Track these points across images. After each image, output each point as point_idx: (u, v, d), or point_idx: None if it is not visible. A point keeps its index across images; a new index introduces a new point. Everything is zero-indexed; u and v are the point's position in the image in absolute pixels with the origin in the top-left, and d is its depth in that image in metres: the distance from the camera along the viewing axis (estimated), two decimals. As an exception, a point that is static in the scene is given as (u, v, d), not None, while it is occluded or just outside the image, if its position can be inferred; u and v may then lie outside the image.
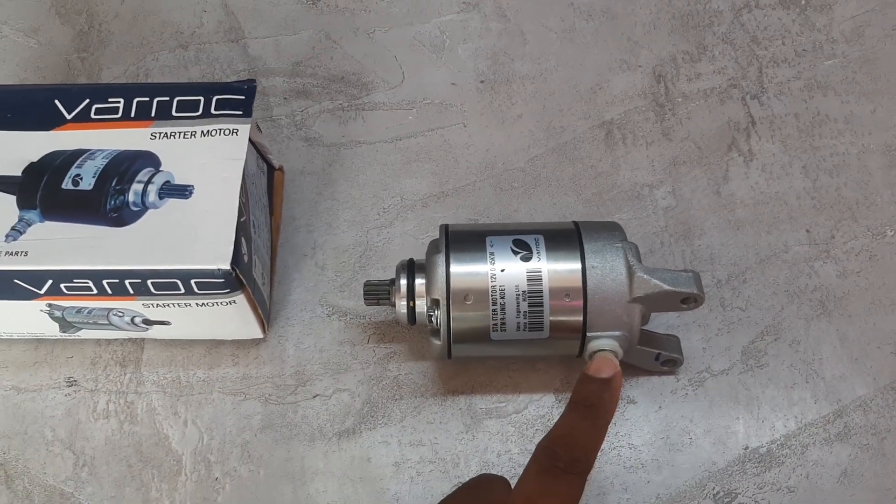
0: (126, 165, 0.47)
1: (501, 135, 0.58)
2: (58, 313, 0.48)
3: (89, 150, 0.48)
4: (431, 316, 0.45)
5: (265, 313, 0.50)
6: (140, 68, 0.61)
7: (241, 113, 0.49)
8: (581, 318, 0.44)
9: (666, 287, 0.44)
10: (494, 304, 0.44)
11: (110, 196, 0.46)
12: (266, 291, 0.51)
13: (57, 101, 0.49)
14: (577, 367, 0.50)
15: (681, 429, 0.49)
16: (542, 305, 0.44)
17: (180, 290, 0.45)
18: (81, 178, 0.47)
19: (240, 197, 0.46)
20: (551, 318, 0.44)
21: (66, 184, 0.46)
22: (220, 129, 0.48)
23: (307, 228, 0.55)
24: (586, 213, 0.55)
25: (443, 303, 0.44)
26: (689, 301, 0.45)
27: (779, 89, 0.59)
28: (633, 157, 0.57)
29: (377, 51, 0.62)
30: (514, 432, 0.49)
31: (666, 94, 0.59)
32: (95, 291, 0.45)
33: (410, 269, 0.47)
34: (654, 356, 0.48)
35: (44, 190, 0.46)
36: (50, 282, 0.45)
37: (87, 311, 0.47)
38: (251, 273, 0.47)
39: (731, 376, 0.50)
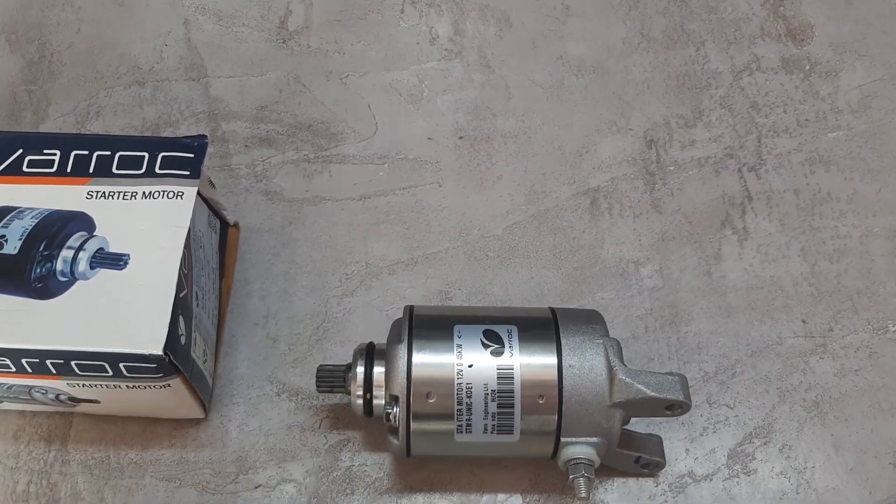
0: (57, 228, 0.42)
1: (479, 198, 0.54)
2: (-26, 387, 0.43)
3: (18, 207, 0.43)
4: (390, 413, 0.41)
5: (206, 392, 0.45)
6: (91, 105, 0.56)
7: (188, 173, 0.44)
8: (555, 423, 0.40)
9: (650, 393, 0.40)
10: (460, 403, 0.40)
11: (36, 263, 0.41)
12: (209, 368, 0.46)
13: (-14, 150, 0.45)
14: (549, 467, 0.45)
15: (657, 542, 0.44)
16: (512, 407, 0.40)
17: (108, 372, 0.40)
18: (6, 240, 0.42)
19: (180, 268, 0.41)
20: (522, 422, 0.40)
21: (-11, 245, 0.42)
22: (164, 191, 0.43)
23: (260, 294, 0.51)
24: (566, 290, 0.51)
25: (402, 400, 0.40)
26: (674, 408, 0.41)
27: (778, 162, 0.55)
28: (618, 230, 0.53)
29: (349, 98, 0.57)
30: (474, 539, 0.44)
31: (657, 162, 0.55)
32: (14, 370, 0.40)
33: (370, 355, 0.43)
34: (634, 459, 0.44)
35: (-36, 251, 0.41)
36: (-37, 357, 0.40)
37: (6, 386, 0.43)
38: (189, 354, 0.42)
39: (714, 483, 0.46)
